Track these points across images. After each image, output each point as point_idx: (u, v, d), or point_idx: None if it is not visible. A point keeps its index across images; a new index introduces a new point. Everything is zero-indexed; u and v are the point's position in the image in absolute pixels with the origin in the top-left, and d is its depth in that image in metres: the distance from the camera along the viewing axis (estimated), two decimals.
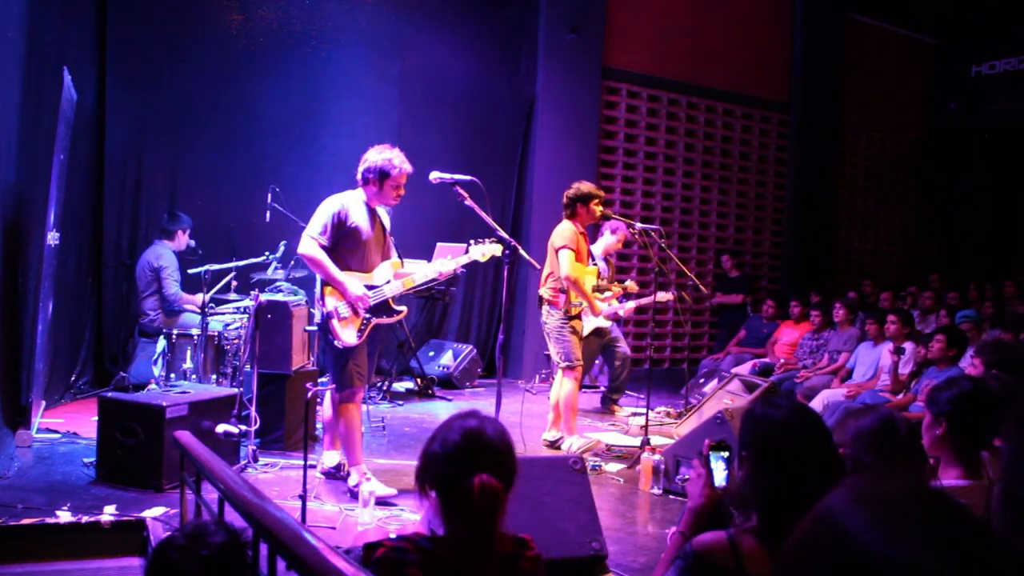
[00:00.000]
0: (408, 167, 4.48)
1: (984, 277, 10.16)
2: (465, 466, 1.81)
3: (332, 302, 4.37)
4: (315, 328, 4.70)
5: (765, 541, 1.83)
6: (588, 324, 6.46)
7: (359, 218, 4.43)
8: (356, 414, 4.53)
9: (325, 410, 4.80)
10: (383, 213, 4.66)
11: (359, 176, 4.48)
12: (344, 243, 4.42)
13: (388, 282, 4.56)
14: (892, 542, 0.77)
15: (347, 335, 4.38)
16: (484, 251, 4.74)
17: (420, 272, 4.70)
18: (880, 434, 2.24)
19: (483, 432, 1.85)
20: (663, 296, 6.54)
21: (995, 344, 5.43)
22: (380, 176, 4.40)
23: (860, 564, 0.77)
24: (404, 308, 4.71)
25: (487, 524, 1.82)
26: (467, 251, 4.75)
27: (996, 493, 1.71)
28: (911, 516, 0.80)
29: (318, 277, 4.45)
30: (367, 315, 4.45)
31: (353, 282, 4.39)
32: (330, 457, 4.83)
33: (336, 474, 4.76)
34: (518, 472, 1.90)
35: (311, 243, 4.35)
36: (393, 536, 1.90)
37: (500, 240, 4.47)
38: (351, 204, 4.44)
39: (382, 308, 4.53)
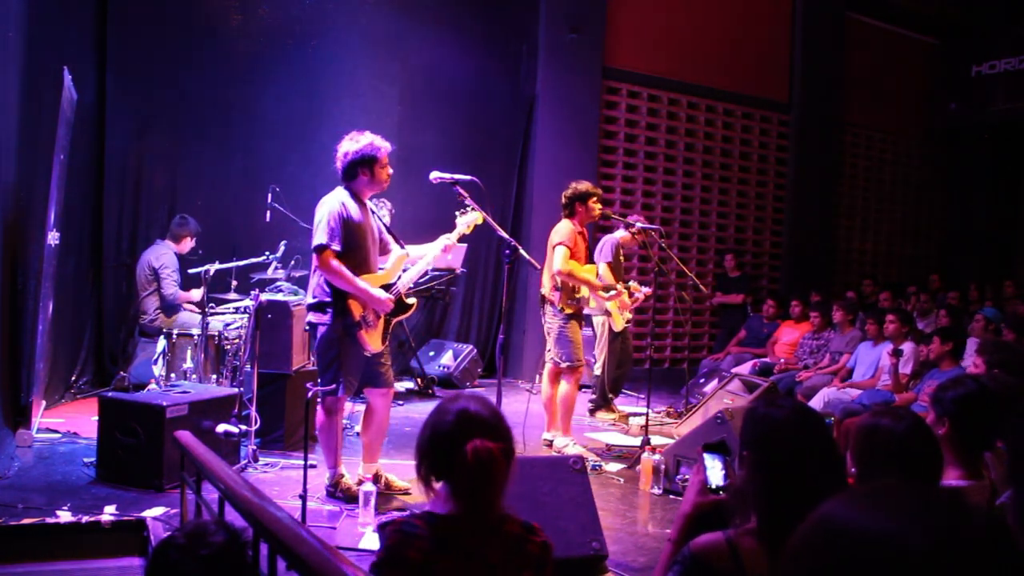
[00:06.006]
0: (387, 144, 4.38)
1: (984, 277, 10.15)
2: (457, 439, 1.86)
3: (359, 311, 4.25)
4: (310, 332, 4.55)
5: (765, 541, 1.82)
6: (619, 322, 6.47)
7: (356, 214, 4.31)
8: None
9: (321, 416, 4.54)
10: (374, 208, 4.57)
11: (342, 172, 4.35)
12: (347, 242, 4.25)
13: (399, 278, 4.50)
14: (882, 521, 0.85)
15: (374, 342, 4.34)
16: (468, 221, 4.63)
17: (427, 257, 4.59)
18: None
19: (467, 407, 1.91)
20: (638, 289, 6.51)
21: (997, 344, 5.44)
22: (369, 162, 4.30)
23: (856, 547, 0.84)
24: (415, 301, 4.63)
25: (487, 489, 1.86)
26: (455, 227, 4.61)
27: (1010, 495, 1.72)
28: (898, 500, 0.89)
29: (315, 283, 4.30)
30: (388, 317, 4.40)
31: (376, 288, 4.31)
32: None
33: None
34: (514, 439, 1.95)
35: (329, 255, 4.17)
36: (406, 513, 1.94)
37: (500, 240, 4.46)
38: (346, 201, 4.30)
39: (398, 306, 4.46)
